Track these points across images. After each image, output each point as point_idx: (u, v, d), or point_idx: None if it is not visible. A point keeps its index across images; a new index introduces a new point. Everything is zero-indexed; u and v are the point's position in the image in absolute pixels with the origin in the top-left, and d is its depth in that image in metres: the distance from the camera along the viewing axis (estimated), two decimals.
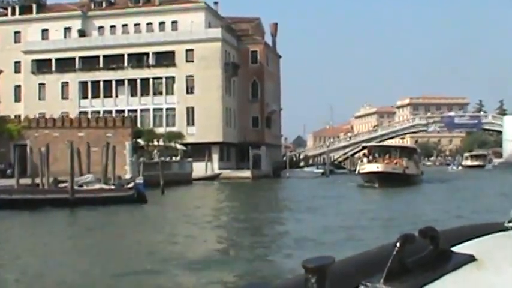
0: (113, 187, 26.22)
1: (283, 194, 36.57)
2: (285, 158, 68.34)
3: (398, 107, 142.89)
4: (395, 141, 74.35)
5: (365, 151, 43.59)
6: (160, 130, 52.32)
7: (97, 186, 25.73)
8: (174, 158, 50.14)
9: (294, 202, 27.29)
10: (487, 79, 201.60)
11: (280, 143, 74.58)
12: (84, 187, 25.44)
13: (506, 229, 1.54)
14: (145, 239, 16.05)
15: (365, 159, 40.35)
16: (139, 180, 27.45)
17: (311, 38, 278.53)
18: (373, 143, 53.02)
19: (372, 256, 1.24)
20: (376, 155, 39.53)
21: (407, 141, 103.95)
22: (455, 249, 1.30)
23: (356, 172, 40.87)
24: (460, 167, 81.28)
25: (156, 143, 47.43)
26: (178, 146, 50.81)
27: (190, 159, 51.16)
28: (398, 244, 1.12)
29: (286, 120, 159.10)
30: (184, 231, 17.16)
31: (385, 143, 60.79)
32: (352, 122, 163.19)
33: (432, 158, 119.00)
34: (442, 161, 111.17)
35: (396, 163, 37.71)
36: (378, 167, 36.54)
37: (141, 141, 45.31)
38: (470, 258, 1.25)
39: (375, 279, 1.10)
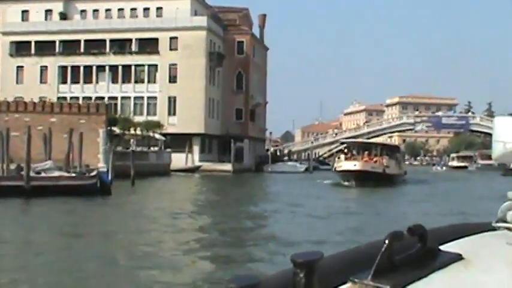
0: (73, 175, 24.87)
1: (258, 191, 35.31)
2: (269, 153, 67.15)
3: (388, 106, 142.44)
4: (382, 140, 73.38)
5: (344, 147, 41.37)
6: (141, 119, 50.96)
7: (56, 173, 24.36)
8: (152, 148, 48.79)
9: (262, 202, 26.11)
10: (477, 80, 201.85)
11: (265, 136, 73.38)
12: (43, 174, 24.07)
13: (493, 229, 1.54)
14: (97, 238, 14.41)
15: (342, 156, 37.77)
16: (103, 168, 26.04)
17: (302, 33, 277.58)
18: (352, 140, 50.72)
19: (360, 252, 1.26)
20: (355, 152, 37.29)
21: (395, 140, 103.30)
22: (443, 247, 1.31)
23: (333, 169, 38.88)
24: (444, 168, 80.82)
25: (133, 131, 45.99)
26: (157, 136, 49.43)
27: (169, 150, 49.87)
28: (386, 241, 1.13)
29: (275, 115, 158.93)
30: (143, 229, 15.76)
31: (371, 141, 59.36)
32: (341, 118, 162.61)
33: (419, 158, 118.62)
34: (429, 161, 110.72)
35: (376, 161, 35.60)
36: (355, 165, 34.23)
37: (116, 130, 43.84)
38: (458, 257, 1.26)
39: (363, 276, 1.12)
